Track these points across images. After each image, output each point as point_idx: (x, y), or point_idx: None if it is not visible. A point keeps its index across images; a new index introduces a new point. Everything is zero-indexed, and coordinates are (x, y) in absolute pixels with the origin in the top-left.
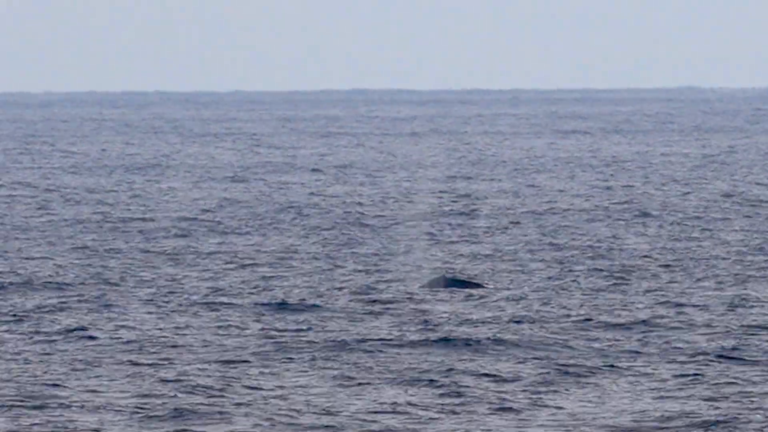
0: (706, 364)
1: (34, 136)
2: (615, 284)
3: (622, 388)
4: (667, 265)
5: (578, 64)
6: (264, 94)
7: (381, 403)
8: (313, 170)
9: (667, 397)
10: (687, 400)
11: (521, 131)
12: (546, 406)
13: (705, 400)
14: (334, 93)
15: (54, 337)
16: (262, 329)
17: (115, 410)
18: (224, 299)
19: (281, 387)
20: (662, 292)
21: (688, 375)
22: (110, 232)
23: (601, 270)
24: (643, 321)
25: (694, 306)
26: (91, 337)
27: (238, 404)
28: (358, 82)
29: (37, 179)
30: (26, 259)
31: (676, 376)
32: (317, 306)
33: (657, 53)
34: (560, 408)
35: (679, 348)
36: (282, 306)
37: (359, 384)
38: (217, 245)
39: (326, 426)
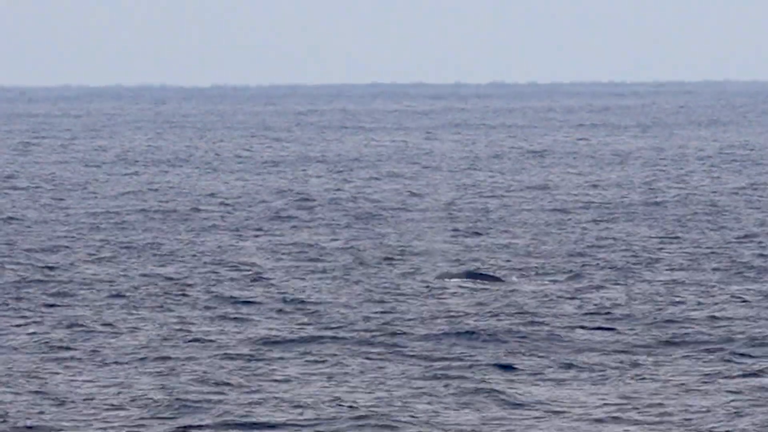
0: (728, 360)
1: (50, 130)
2: (635, 278)
3: (643, 382)
4: (687, 259)
5: (596, 57)
6: (278, 88)
7: (401, 396)
8: (331, 164)
9: (690, 390)
10: (709, 394)
11: (539, 125)
12: (566, 399)
13: (728, 392)
14: (351, 88)
15: (73, 331)
16: (283, 323)
17: (138, 406)
18: (244, 293)
19: (303, 380)
20: (682, 287)
21: (711, 369)
22: (128, 226)
23: (621, 264)
24: (666, 315)
25: (714, 299)
26: (111, 332)
27: (260, 397)
28: (376, 77)
29: (55, 173)
30: (45, 253)
31: (697, 370)
32: (337, 299)
33: (676, 47)
34: (580, 402)
35: (701, 341)
36: (303, 300)
37: (380, 376)
38: (235, 239)
39: (348, 417)
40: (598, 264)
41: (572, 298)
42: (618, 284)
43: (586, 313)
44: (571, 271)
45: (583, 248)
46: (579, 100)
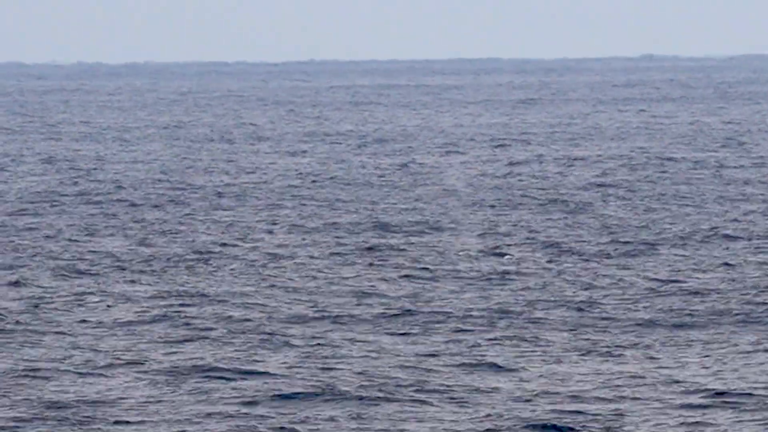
0: (763, 334)
1: (76, 107)
2: (660, 255)
3: (681, 358)
4: (714, 235)
5: (632, 31)
6: (304, 64)
7: (428, 372)
8: (355, 139)
9: (726, 365)
10: (749, 367)
11: (565, 99)
12: (598, 375)
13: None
14: (374, 63)
15: (106, 312)
16: (306, 301)
17: (141, 379)
18: (268, 271)
19: (331, 356)
20: (711, 260)
21: (747, 345)
22: (148, 201)
23: (648, 241)
24: (694, 290)
25: (740, 273)
26: (122, 307)
27: (285, 372)
28: (402, 53)
29: (84, 149)
30: (89, 234)
31: (734, 344)
32: (361, 275)
33: (715, 20)
34: (614, 377)
35: (735, 317)
36: (327, 278)
37: (408, 354)
38: (261, 216)
39: (382, 393)
40: (621, 241)
41: (598, 275)
42: (642, 260)
43: (612, 290)
44: (591, 247)
45: (607, 224)
46: (612, 76)
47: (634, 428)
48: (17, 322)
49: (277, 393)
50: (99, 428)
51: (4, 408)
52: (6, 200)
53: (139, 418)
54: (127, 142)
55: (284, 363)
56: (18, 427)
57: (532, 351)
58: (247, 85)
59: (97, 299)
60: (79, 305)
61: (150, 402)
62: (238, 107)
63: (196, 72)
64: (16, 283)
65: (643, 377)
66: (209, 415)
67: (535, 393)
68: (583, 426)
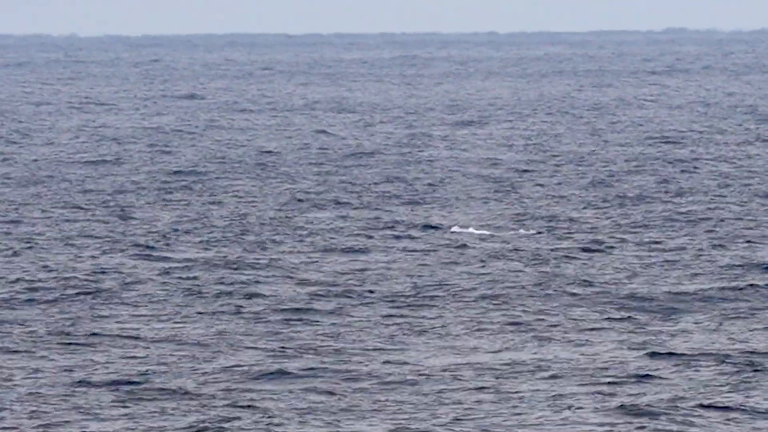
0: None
1: (100, 80)
2: (686, 229)
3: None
4: (740, 211)
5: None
6: (326, 36)
7: (434, 348)
8: (376, 111)
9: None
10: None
11: (588, 71)
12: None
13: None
14: (396, 35)
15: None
16: (320, 279)
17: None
18: (284, 249)
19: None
20: (733, 237)
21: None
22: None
23: (671, 215)
24: (718, 266)
25: (750, 248)
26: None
27: (300, 348)
28: (425, 26)
29: (107, 123)
30: (109, 204)
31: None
32: (378, 249)
33: None
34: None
35: (744, 291)
36: (351, 252)
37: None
38: (276, 184)
39: (402, 371)
40: (649, 215)
41: (612, 251)
42: (666, 236)
43: (637, 266)
44: (611, 219)
45: (631, 198)
46: (631, 48)
47: (668, 398)
48: (40, 292)
49: (301, 367)
50: (120, 398)
51: (28, 378)
52: (34, 170)
53: (165, 391)
54: (148, 114)
55: (304, 341)
56: (38, 401)
57: (556, 327)
58: (268, 57)
59: (116, 271)
60: (101, 276)
61: (175, 376)
62: (259, 78)
63: (217, 44)
64: (36, 253)
65: (672, 351)
66: (231, 390)
67: (560, 369)
68: (609, 401)
